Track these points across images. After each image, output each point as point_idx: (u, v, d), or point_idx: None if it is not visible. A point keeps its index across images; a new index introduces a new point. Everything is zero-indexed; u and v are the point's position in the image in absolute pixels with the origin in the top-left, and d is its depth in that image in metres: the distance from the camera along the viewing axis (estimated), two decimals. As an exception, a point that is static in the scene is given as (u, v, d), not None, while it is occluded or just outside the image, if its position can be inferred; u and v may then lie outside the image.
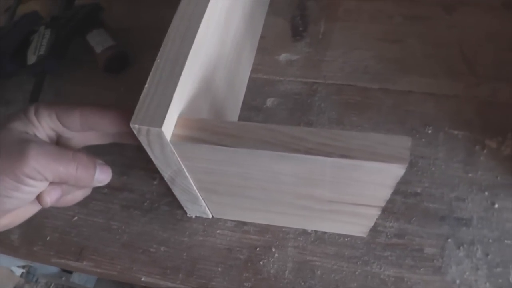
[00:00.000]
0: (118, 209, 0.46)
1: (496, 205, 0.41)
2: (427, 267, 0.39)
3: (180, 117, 0.31)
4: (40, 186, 0.30)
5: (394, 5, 0.55)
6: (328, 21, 0.55)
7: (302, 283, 0.40)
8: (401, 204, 0.42)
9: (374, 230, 0.41)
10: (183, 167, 0.33)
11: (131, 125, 0.29)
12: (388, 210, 0.42)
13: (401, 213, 0.42)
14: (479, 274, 0.39)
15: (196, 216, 0.45)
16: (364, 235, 0.41)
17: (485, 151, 0.44)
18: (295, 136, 0.29)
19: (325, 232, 0.42)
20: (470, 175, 0.43)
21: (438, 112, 0.47)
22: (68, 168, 0.29)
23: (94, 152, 0.34)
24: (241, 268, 0.42)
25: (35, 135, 0.30)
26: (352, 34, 0.54)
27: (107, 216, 0.46)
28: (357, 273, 0.40)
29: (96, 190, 0.34)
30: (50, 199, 0.31)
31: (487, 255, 0.39)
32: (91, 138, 0.34)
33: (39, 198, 0.30)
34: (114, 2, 0.63)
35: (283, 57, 0.53)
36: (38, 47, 0.55)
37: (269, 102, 0.50)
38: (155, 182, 0.47)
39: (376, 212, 0.35)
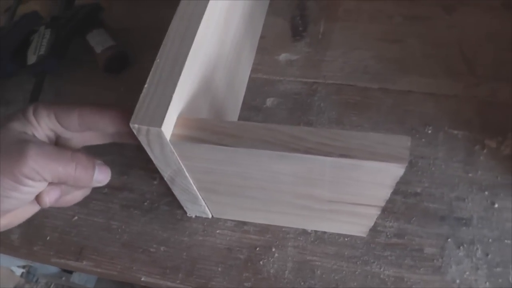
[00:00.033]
0: (118, 209, 0.47)
1: (496, 205, 0.41)
2: (427, 267, 0.39)
3: (179, 116, 0.31)
4: (39, 186, 0.29)
5: (394, 5, 0.55)
6: (328, 21, 0.55)
7: (302, 283, 0.40)
8: (401, 204, 0.42)
9: (374, 230, 0.41)
10: (183, 166, 0.33)
11: (131, 125, 0.29)
12: (388, 210, 0.42)
13: (401, 213, 0.42)
14: (479, 274, 0.39)
15: (196, 216, 0.45)
16: (364, 235, 0.41)
17: (485, 151, 0.44)
18: (294, 136, 0.29)
19: (325, 232, 0.42)
20: (470, 175, 0.43)
21: (438, 112, 0.47)
22: (67, 169, 0.29)
23: (94, 152, 0.34)
24: (241, 268, 0.42)
25: (34, 136, 0.30)
26: (352, 34, 0.54)
27: (107, 215, 0.46)
28: (357, 273, 0.40)
29: (96, 189, 0.34)
30: (49, 199, 0.31)
31: (487, 254, 0.39)
32: (90, 138, 0.34)
33: (38, 198, 0.30)
34: (114, 2, 0.63)
35: (283, 57, 0.53)
36: (38, 47, 0.55)
37: (269, 102, 0.50)
38: (155, 182, 0.47)
39: (376, 212, 0.35)
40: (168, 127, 0.29)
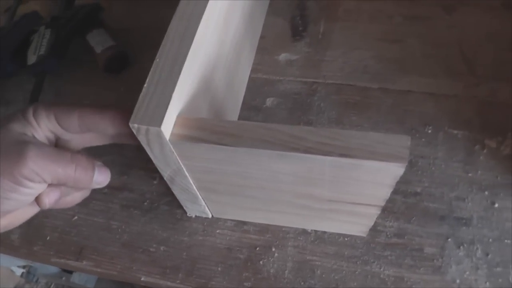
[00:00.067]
0: (118, 209, 0.47)
1: (496, 205, 0.41)
2: (427, 267, 0.39)
3: (179, 116, 0.31)
4: (38, 188, 0.29)
5: (394, 5, 0.55)
6: (328, 21, 0.55)
7: (302, 283, 0.40)
8: (401, 203, 0.42)
9: (374, 229, 0.41)
10: (182, 166, 0.33)
11: (130, 125, 0.29)
12: (388, 210, 0.42)
13: (401, 213, 0.42)
14: (479, 274, 0.39)
15: (196, 216, 0.45)
16: (364, 235, 0.41)
17: (485, 151, 0.44)
18: (294, 135, 0.29)
19: (325, 232, 0.42)
20: (470, 174, 0.43)
21: (438, 112, 0.47)
22: (66, 170, 0.29)
23: (94, 152, 0.34)
24: (241, 268, 0.42)
25: (34, 137, 0.30)
26: (352, 34, 0.54)
27: (107, 215, 0.46)
28: (357, 272, 0.40)
29: (96, 189, 0.34)
30: (49, 201, 0.31)
31: (487, 254, 0.39)
32: (90, 139, 0.34)
33: (37, 200, 0.30)
34: (114, 2, 0.63)
35: (283, 57, 0.53)
36: (38, 47, 0.55)
37: (269, 101, 0.50)
38: (155, 182, 0.47)
39: (376, 212, 0.35)
40: (168, 126, 0.29)
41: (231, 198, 0.39)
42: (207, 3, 0.34)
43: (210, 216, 0.44)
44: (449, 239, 0.40)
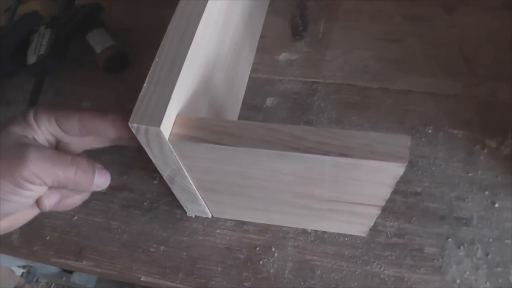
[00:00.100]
0: (118, 209, 0.46)
1: (496, 205, 0.41)
2: (427, 267, 0.39)
3: (178, 116, 0.31)
4: (39, 190, 0.29)
5: (394, 5, 0.55)
6: (328, 21, 0.55)
7: (302, 283, 0.40)
8: (401, 203, 0.42)
9: (374, 229, 0.41)
10: (182, 166, 0.33)
11: (130, 124, 0.29)
12: (388, 210, 0.42)
13: (401, 213, 0.42)
14: (479, 274, 0.39)
15: (195, 216, 0.45)
16: (364, 235, 0.41)
17: (485, 151, 0.44)
18: (294, 135, 0.28)
19: (325, 232, 0.42)
20: (470, 174, 0.43)
21: (438, 112, 0.47)
22: (67, 173, 0.29)
23: (94, 152, 0.34)
24: (241, 268, 0.42)
25: (34, 139, 0.30)
26: (352, 34, 0.54)
27: (107, 215, 0.46)
28: (357, 272, 0.40)
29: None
30: (49, 203, 0.31)
31: (487, 254, 0.39)
32: (90, 142, 0.34)
33: (38, 202, 0.30)
34: (114, 2, 0.63)
35: (283, 56, 0.53)
36: (38, 47, 0.55)
37: (269, 101, 0.50)
38: (155, 182, 0.47)
39: (376, 212, 0.35)
40: (167, 126, 0.29)
41: (231, 198, 0.39)
42: (207, 3, 0.34)
43: (210, 216, 0.44)
44: (449, 239, 0.40)
